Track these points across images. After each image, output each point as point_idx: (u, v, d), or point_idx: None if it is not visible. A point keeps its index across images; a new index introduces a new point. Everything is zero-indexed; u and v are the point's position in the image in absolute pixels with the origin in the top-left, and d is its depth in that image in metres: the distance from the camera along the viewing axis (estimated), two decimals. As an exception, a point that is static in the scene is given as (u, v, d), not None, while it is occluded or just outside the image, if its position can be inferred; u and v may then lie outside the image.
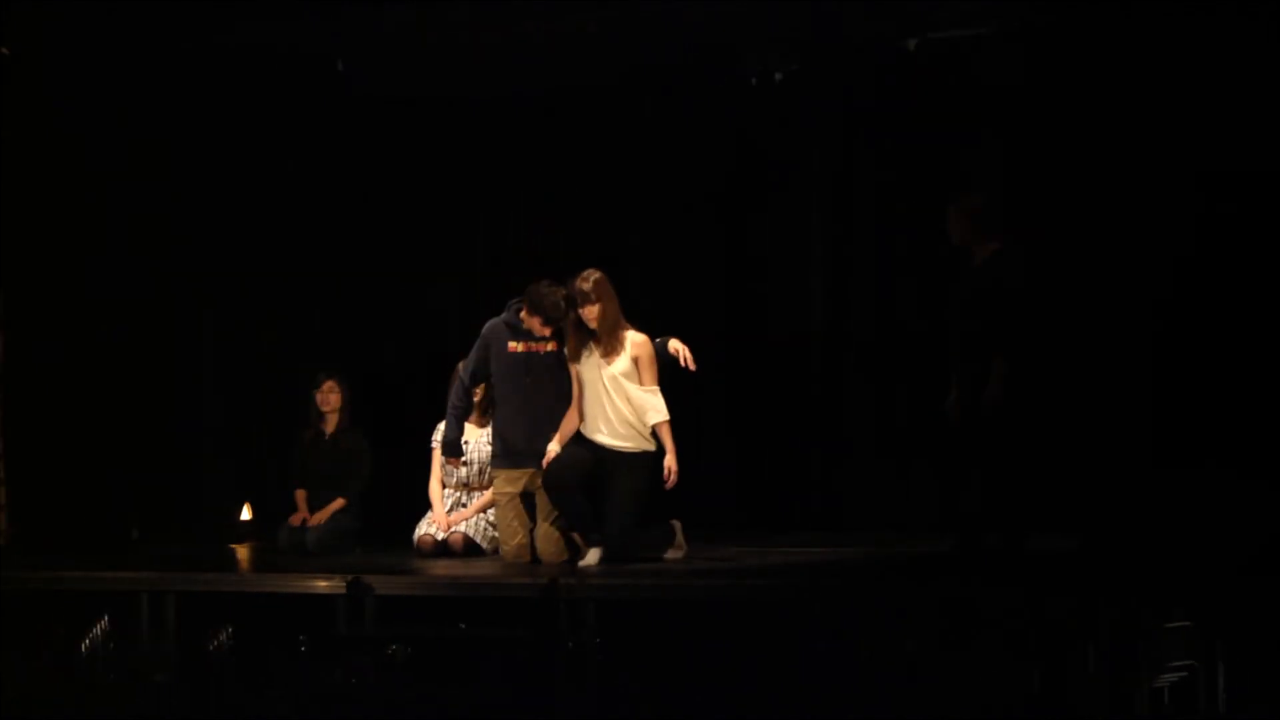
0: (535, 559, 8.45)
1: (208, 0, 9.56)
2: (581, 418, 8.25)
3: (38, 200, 9.73)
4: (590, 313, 8.14)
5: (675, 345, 8.33)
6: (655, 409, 8.14)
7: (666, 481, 8.08)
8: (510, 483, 8.54)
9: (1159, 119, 9.07)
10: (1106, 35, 9.15)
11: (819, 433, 10.11)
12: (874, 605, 6.93)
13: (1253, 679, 6.47)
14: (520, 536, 8.53)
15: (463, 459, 8.97)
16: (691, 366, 8.29)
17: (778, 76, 9.92)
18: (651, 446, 8.20)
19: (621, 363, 8.16)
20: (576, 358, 8.25)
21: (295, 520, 9.45)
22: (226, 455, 10.55)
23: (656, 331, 8.32)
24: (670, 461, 8.09)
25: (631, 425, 8.18)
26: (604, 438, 8.19)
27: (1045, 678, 6.41)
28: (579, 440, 8.25)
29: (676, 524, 8.36)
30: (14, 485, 9.70)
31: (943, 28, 9.43)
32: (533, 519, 8.50)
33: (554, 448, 8.26)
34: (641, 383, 8.16)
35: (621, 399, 8.16)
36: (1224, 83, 8.87)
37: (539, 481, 8.33)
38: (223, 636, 7.40)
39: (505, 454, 8.58)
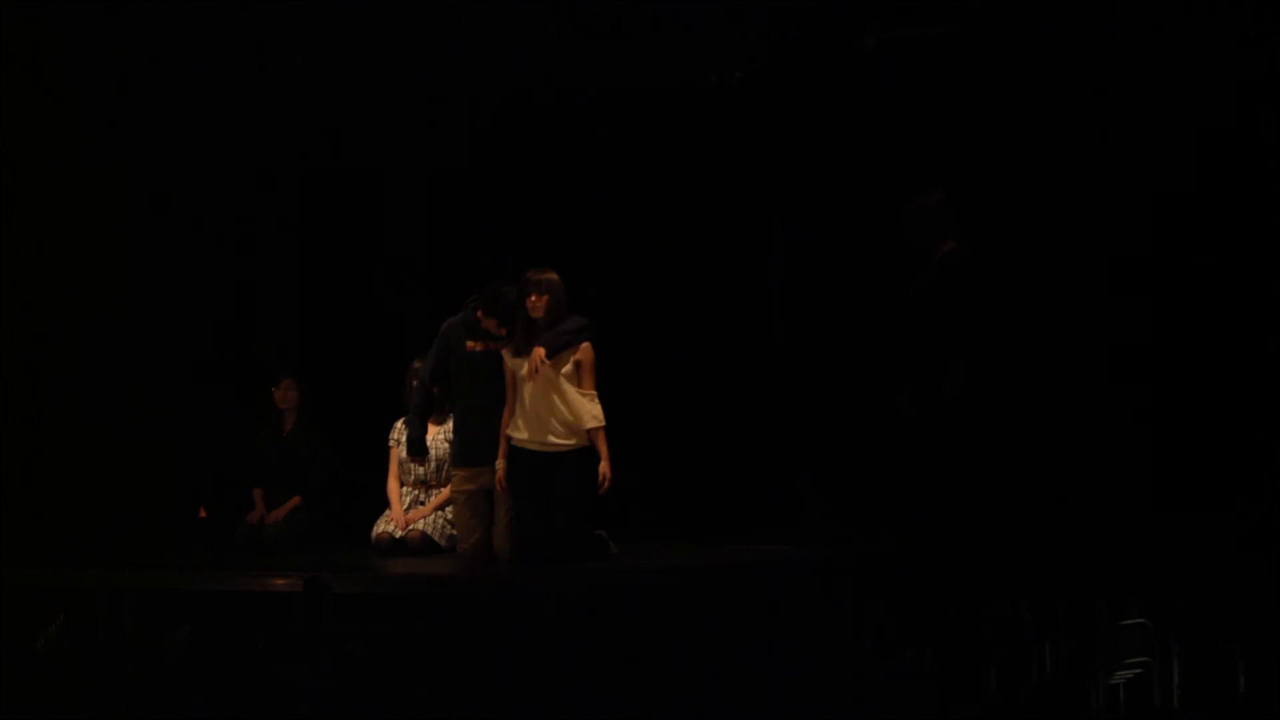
0: (493, 557, 8.45)
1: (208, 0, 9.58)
2: (517, 416, 8.24)
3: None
4: (538, 302, 8.15)
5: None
6: (592, 414, 8.18)
7: (601, 488, 8.13)
8: (469, 480, 8.54)
9: (1119, 120, 9.11)
10: (1067, 35, 9.19)
11: (776, 434, 10.11)
12: (828, 605, 6.95)
13: (1207, 675, 6.51)
14: (478, 534, 8.53)
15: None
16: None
17: (738, 75, 9.93)
18: (587, 443, 8.24)
19: (563, 363, 8.17)
20: (520, 352, 8.24)
21: (253, 518, 9.44)
22: (221, 456, 10.46)
23: (612, 333, 8.33)
24: (605, 468, 8.14)
25: (568, 425, 8.20)
26: (541, 435, 8.20)
27: (1001, 676, 6.44)
28: (513, 457, 8.25)
29: (602, 533, 8.37)
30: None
31: (902, 27, 9.46)
32: (491, 517, 8.50)
33: (500, 464, 8.30)
34: (581, 386, 8.18)
35: (559, 399, 8.18)
36: (1183, 87, 8.92)
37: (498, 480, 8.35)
38: (179, 635, 7.37)
39: (464, 452, 8.59)
